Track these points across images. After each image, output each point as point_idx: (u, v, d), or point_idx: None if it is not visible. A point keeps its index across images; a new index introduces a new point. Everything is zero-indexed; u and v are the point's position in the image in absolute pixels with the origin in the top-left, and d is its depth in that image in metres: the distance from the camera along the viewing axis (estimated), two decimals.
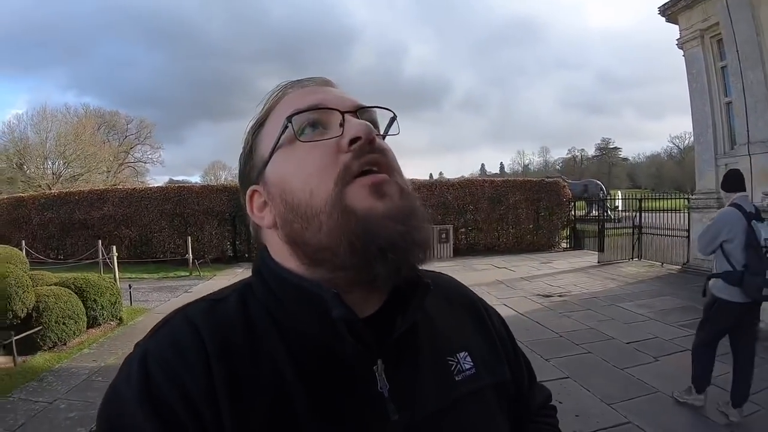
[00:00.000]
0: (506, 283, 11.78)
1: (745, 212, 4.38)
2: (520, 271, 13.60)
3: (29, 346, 7.01)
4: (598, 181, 30.55)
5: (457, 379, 0.85)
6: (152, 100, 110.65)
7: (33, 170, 40.45)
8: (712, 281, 4.59)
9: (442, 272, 1.06)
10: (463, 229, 18.49)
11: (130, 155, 50.50)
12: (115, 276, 11.57)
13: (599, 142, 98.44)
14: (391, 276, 0.71)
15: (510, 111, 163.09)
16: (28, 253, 12.41)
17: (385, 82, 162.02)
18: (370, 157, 0.74)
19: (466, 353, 0.89)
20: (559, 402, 4.93)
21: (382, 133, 0.85)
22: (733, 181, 4.63)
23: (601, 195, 25.59)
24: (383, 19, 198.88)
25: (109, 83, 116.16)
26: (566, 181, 21.93)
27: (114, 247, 12.39)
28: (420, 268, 0.81)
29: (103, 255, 14.28)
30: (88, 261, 14.41)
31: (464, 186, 18.76)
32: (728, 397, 4.50)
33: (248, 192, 0.84)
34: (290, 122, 0.76)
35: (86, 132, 42.23)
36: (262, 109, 0.85)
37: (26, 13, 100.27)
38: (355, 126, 0.75)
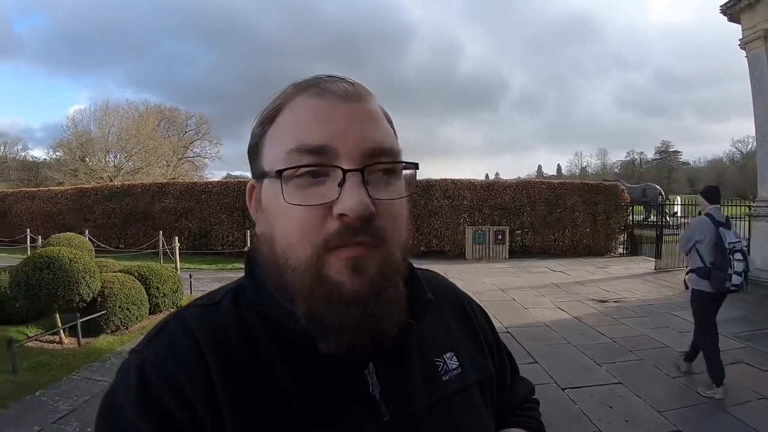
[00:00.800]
0: (561, 287, 11.58)
1: (714, 220, 5.47)
2: (575, 275, 13.37)
3: (93, 329, 7.33)
4: (657, 186, 29.71)
5: (444, 378, 0.87)
6: (210, 97, 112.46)
7: (95, 163, 41.99)
8: (688, 275, 5.75)
9: (430, 269, 1.06)
10: (518, 231, 18.27)
11: (189, 150, 51.47)
12: (176, 265, 11.93)
13: (659, 144, 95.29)
14: (342, 349, 0.71)
15: (567, 111, 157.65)
16: (90, 242, 12.85)
17: (441, 80, 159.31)
18: (356, 237, 0.69)
19: (452, 353, 0.91)
20: (610, 407, 4.92)
21: (404, 166, 0.78)
22: (712, 195, 5.70)
23: (659, 200, 24.95)
24: (438, 17, 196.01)
25: (166, 80, 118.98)
26: (624, 185, 21.43)
27: (176, 238, 12.73)
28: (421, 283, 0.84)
29: (163, 245, 14.69)
30: (148, 251, 14.82)
31: (521, 187, 18.53)
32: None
33: (249, 184, 0.83)
34: (281, 178, 0.71)
35: (147, 127, 43.47)
36: (274, 103, 0.79)
37: (87, 12, 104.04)
38: (349, 200, 0.68)
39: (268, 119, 0.78)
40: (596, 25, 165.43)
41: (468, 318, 1.02)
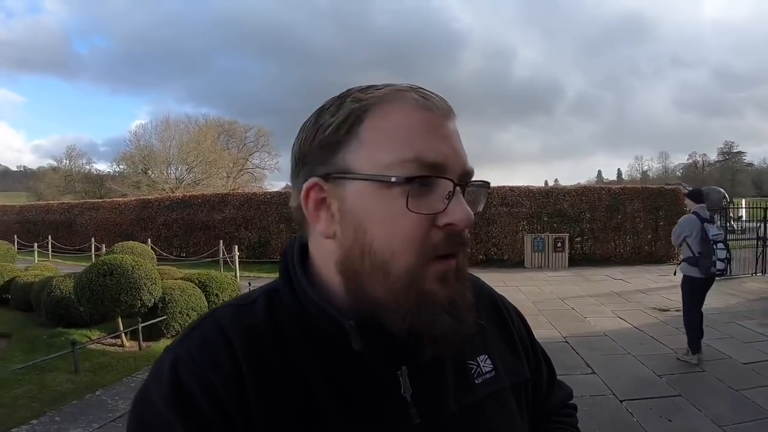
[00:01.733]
0: (621, 295, 11.24)
1: (700, 218, 6.51)
2: (636, 283, 12.95)
3: (154, 334, 7.63)
4: (721, 189, 28.67)
5: (477, 382, 0.86)
6: (267, 109, 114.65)
7: (157, 175, 43.62)
8: (681, 264, 6.81)
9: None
10: (578, 238, 17.77)
11: (248, 161, 52.73)
12: (235, 273, 12.21)
13: (722, 145, 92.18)
14: (435, 358, 0.74)
15: (625, 114, 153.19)
16: (152, 250, 13.30)
17: (495, 86, 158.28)
18: (456, 246, 0.73)
19: (486, 356, 0.90)
20: (669, 420, 4.79)
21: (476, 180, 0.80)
22: (697, 196, 6.85)
23: (723, 204, 24.09)
24: (489, 23, 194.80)
25: (225, 94, 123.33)
26: (686, 189, 20.84)
27: (236, 247, 12.99)
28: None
29: (223, 254, 15.02)
30: (209, 259, 15.17)
31: (580, 193, 18.07)
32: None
33: (309, 182, 0.76)
34: (409, 184, 0.69)
35: (207, 140, 44.83)
36: (359, 104, 0.75)
37: (146, 32, 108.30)
38: (458, 212, 0.71)
39: (354, 118, 0.74)
40: (649, 24, 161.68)
41: (503, 320, 1.01)
